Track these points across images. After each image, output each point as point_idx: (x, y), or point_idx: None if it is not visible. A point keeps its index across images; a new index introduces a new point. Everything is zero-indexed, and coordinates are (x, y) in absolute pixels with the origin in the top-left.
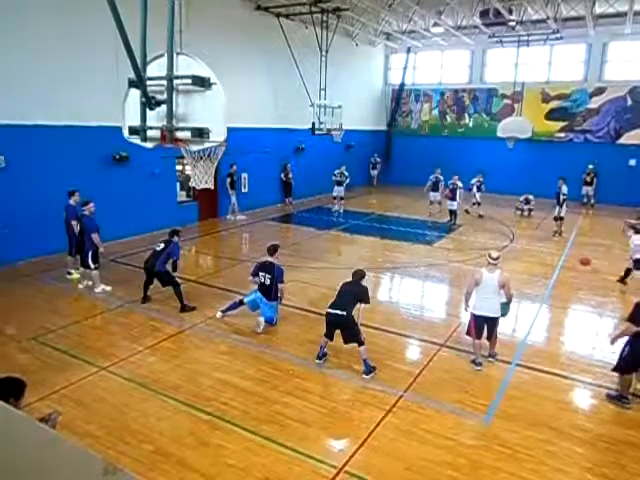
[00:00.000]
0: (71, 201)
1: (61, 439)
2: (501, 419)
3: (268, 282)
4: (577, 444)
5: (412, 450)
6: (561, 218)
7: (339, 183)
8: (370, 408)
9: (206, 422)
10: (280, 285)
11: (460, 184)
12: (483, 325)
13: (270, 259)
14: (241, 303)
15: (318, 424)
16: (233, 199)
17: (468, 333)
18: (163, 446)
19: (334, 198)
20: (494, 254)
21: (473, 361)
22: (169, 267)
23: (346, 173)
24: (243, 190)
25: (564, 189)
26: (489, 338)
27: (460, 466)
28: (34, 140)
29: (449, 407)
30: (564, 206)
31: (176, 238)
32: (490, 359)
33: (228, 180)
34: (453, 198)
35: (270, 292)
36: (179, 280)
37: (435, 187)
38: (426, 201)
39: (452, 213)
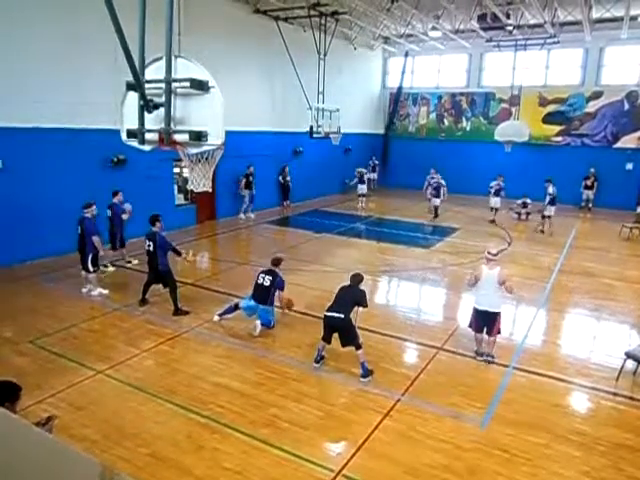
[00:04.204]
0: (115, 200)
1: (58, 443)
2: (498, 422)
3: (267, 283)
4: (574, 447)
5: (409, 453)
6: (547, 217)
7: (362, 181)
8: (367, 411)
9: (203, 425)
10: (279, 292)
11: (443, 182)
12: (482, 320)
13: (272, 268)
14: (237, 307)
15: (315, 427)
16: (247, 199)
17: (470, 325)
18: (160, 450)
19: (359, 196)
20: (493, 250)
21: (476, 352)
22: (172, 264)
23: (364, 170)
24: (241, 193)
25: (550, 190)
26: (489, 333)
27: (457, 469)
28: (32, 143)
29: (446, 410)
30: (549, 205)
31: (157, 226)
32: (487, 357)
33: (244, 180)
34: (437, 195)
35: (267, 296)
36: (178, 283)
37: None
38: (423, 204)
39: (435, 208)
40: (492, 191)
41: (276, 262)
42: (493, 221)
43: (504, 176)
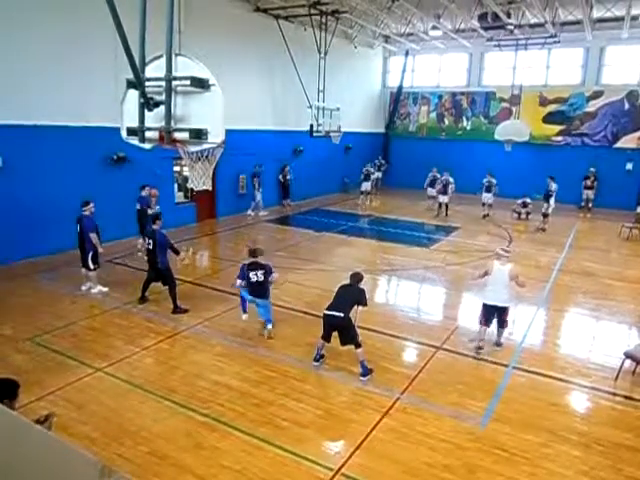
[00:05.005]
0: (143, 193)
1: (57, 441)
2: (498, 422)
3: (262, 278)
4: (573, 447)
5: (409, 453)
6: (546, 215)
7: (366, 179)
8: (367, 410)
9: (202, 424)
10: (274, 275)
11: (451, 179)
12: (492, 314)
13: (256, 260)
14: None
15: (315, 426)
16: (258, 197)
17: (480, 322)
18: (159, 448)
19: (361, 193)
20: (506, 247)
21: (477, 347)
22: (171, 262)
23: (371, 169)
24: (240, 192)
25: (553, 187)
26: (501, 326)
27: (456, 469)
28: (32, 140)
29: (446, 410)
30: (551, 202)
31: (157, 224)
32: (497, 347)
33: (256, 179)
34: (445, 192)
35: (264, 290)
36: (177, 281)
37: (432, 184)
38: (423, 203)
39: (445, 206)
40: (483, 188)
41: (258, 252)
42: (486, 216)
43: (495, 174)
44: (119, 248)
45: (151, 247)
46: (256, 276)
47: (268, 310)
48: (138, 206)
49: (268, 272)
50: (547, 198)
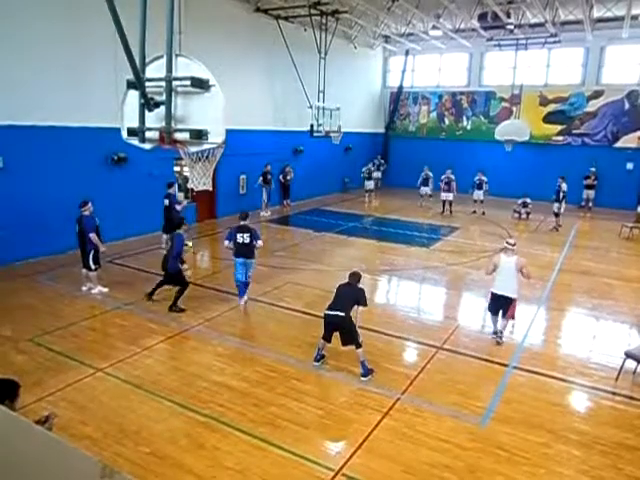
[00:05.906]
0: (170, 190)
1: (58, 441)
2: (498, 422)
3: (248, 240)
4: (574, 447)
5: (409, 453)
6: (558, 215)
7: (369, 178)
8: (367, 410)
9: (203, 424)
10: (259, 242)
11: (453, 177)
12: (499, 303)
13: (244, 223)
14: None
15: (315, 426)
16: (265, 196)
17: (490, 309)
18: (159, 448)
19: (366, 191)
20: (511, 240)
21: (494, 332)
22: (180, 265)
23: (372, 168)
24: (241, 192)
25: (564, 187)
26: (503, 315)
27: (457, 468)
28: (33, 141)
29: (446, 409)
30: (563, 203)
31: (183, 229)
32: (498, 336)
33: (261, 178)
34: (449, 190)
35: (250, 250)
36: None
37: (425, 182)
38: (425, 204)
39: (449, 203)
40: (475, 185)
41: (246, 216)
42: (477, 212)
43: (496, 174)
44: (119, 248)
45: (167, 248)
46: (242, 238)
47: (252, 267)
48: (167, 202)
49: (254, 235)
50: (559, 198)
